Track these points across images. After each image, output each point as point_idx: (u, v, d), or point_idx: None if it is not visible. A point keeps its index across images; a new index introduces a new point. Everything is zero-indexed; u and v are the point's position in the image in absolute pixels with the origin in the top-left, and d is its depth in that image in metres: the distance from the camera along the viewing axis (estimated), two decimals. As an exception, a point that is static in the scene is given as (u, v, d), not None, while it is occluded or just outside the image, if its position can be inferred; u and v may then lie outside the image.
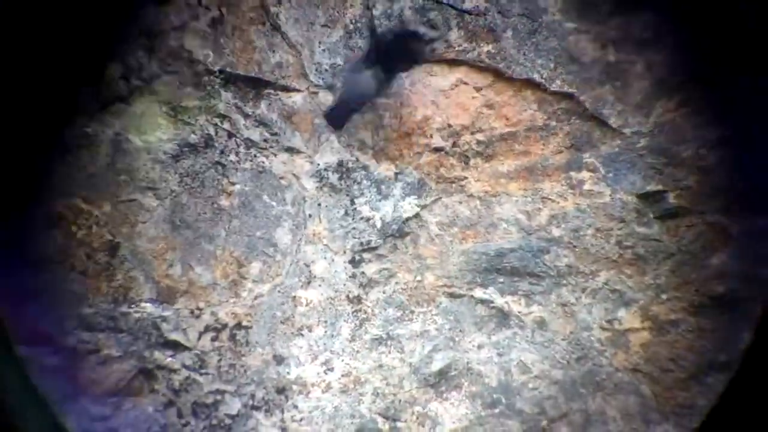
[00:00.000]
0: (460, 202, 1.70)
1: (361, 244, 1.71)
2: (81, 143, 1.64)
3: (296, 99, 1.71)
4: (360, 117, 1.71)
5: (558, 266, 1.66)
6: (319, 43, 1.69)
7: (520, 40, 1.64)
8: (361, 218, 1.72)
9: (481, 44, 1.65)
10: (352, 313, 1.70)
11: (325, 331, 1.69)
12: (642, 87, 1.60)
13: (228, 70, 1.68)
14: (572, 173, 1.66)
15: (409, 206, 1.71)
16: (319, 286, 1.70)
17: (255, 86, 1.69)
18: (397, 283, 1.70)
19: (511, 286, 1.68)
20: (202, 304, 1.68)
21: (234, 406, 1.67)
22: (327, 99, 1.71)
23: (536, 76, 1.64)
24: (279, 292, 1.70)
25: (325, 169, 1.72)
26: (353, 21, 1.67)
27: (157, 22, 1.64)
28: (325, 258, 1.71)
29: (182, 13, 1.65)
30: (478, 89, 1.68)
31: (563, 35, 1.62)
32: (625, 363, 1.63)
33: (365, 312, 1.69)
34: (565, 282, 1.66)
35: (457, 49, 1.66)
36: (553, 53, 1.63)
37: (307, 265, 1.71)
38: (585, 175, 1.65)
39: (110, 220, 1.65)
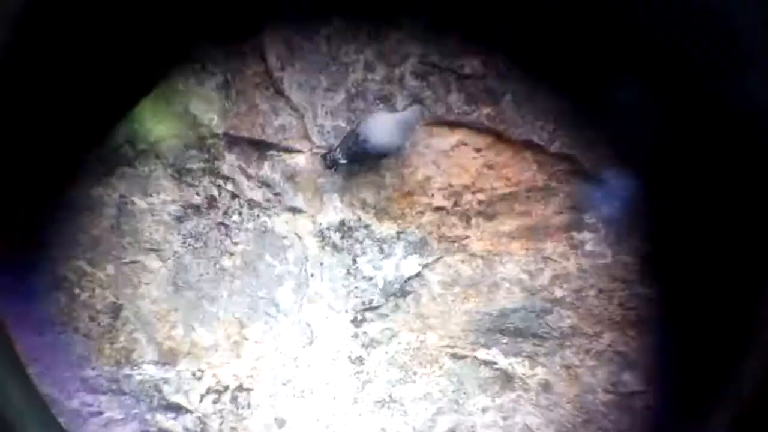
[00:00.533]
0: (463, 261, 1.71)
1: (363, 303, 1.71)
2: (86, 206, 1.66)
3: (299, 160, 1.73)
4: (362, 176, 1.73)
5: (561, 327, 1.66)
6: (322, 106, 1.72)
7: (519, 103, 1.66)
8: (363, 277, 1.72)
9: (481, 107, 1.68)
10: (354, 374, 1.69)
11: (327, 393, 1.68)
12: (642, 148, 1.62)
13: (232, 132, 1.71)
14: (574, 233, 1.66)
15: (411, 265, 1.71)
16: (321, 346, 1.70)
17: (258, 148, 1.72)
18: (399, 343, 1.70)
19: (515, 347, 1.67)
20: (204, 366, 1.68)
21: (235, 470, 1.66)
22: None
23: (536, 138, 1.67)
24: (280, 352, 1.69)
25: (328, 229, 1.73)
26: (355, 85, 1.70)
27: (164, 87, 1.68)
28: (327, 317, 1.71)
29: (188, 78, 1.69)
30: (478, 150, 1.70)
31: (562, 98, 1.65)
32: (631, 427, 1.61)
33: (367, 373, 1.69)
34: (568, 343, 1.65)
35: (456, 111, 1.69)
36: (552, 115, 1.65)
37: (309, 325, 1.70)
38: (586, 235, 1.66)
39: (113, 282, 1.66)
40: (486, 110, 1.68)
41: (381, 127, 1.62)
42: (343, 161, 1.65)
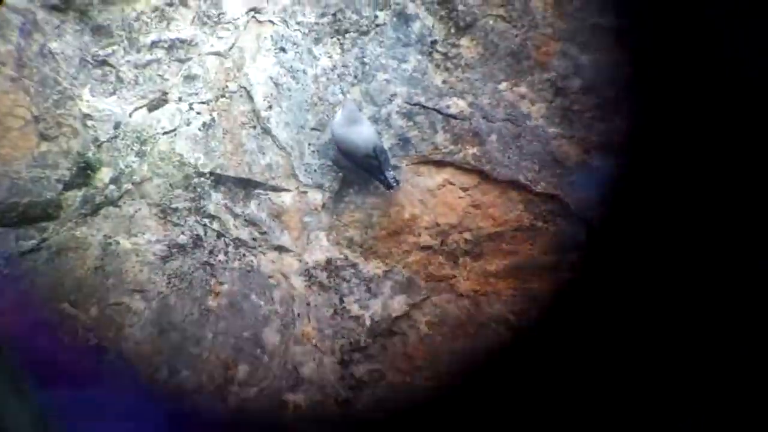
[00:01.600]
0: (450, 302, 1.70)
1: (350, 344, 1.70)
2: (70, 247, 1.65)
3: (285, 198, 1.73)
4: (349, 215, 1.73)
5: (549, 368, 1.65)
6: (309, 144, 1.72)
7: (504, 144, 1.68)
8: (351, 317, 1.71)
9: (467, 147, 1.69)
10: (341, 417, 1.67)
11: (314, 438, 1.66)
12: (625, 190, 1.63)
13: (218, 171, 1.71)
14: (560, 274, 1.66)
15: (398, 305, 1.71)
16: (308, 388, 1.68)
17: (245, 187, 1.72)
18: (386, 384, 1.68)
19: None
20: (187, 411, 1.65)
21: None
22: (316, 198, 1.73)
23: (521, 178, 1.68)
24: (266, 395, 1.67)
25: (314, 268, 1.72)
26: (342, 125, 1.70)
27: (150, 127, 1.68)
28: (313, 359, 1.69)
29: (174, 118, 1.69)
30: (464, 189, 1.71)
31: (547, 140, 1.66)
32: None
33: (353, 417, 1.66)
34: (555, 384, 1.64)
35: (443, 151, 1.70)
36: (537, 156, 1.67)
37: (296, 367, 1.69)
38: (573, 275, 1.66)
39: (97, 325, 1.64)
40: (472, 150, 1.69)
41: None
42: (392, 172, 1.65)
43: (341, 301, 1.71)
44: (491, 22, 1.65)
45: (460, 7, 1.64)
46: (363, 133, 1.60)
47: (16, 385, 1.36)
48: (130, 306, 1.66)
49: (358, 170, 1.68)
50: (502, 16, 1.65)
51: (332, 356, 1.69)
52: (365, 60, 1.70)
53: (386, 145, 1.69)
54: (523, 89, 1.66)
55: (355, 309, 1.71)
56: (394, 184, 1.64)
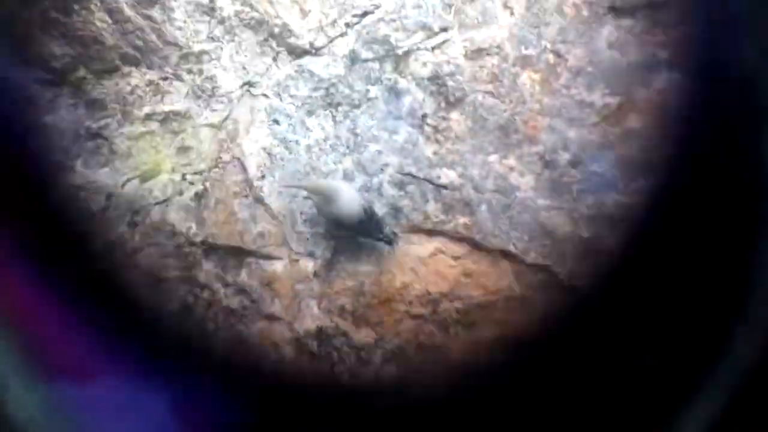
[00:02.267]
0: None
1: (341, 415, 1.67)
2: (58, 318, 1.63)
3: (277, 266, 1.73)
4: (341, 283, 1.73)
5: (540, 441, 1.63)
6: (301, 213, 1.74)
7: (494, 214, 1.70)
8: (341, 387, 1.69)
9: (458, 216, 1.71)
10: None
11: None
12: (616, 263, 1.65)
13: (210, 240, 1.71)
14: (552, 344, 1.66)
15: (389, 374, 1.69)
16: (298, 460, 1.65)
17: (236, 255, 1.72)
18: (378, 456, 1.66)
19: (495, 463, 1.64)
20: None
21: None
22: (308, 266, 1.73)
23: (512, 248, 1.69)
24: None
25: (305, 336, 1.71)
26: (334, 194, 1.72)
27: (142, 198, 1.68)
28: None
29: (166, 188, 1.70)
30: (455, 258, 1.72)
31: (536, 211, 1.69)
32: None
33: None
34: (548, 458, 1.62)
35: (434, 220, 1.72)
36: (527, 227, 1.69)
37: (286, 440, 1.66)
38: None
39: (82, 399, 1.61)
40: (463, 220, 1.71)
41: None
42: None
43: (332, 370, 1.70)
44: (480, 97, 1.69)
45: (450, 83, 1.68)
46: (346, 204, 1.60)
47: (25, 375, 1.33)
48: (117, 378, 1.64)
49: (355, 237, 1.69)
50: (491, 92, 1.69)
51: (323, 428, 1.67)
52: (357, 131, 1.73)
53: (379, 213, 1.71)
54: (512, 162, 1.69)
55: (345, 378, 1.70)
56: (394, 239, 1.66)
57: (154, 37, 1.62)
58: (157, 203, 1.69)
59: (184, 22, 1.60)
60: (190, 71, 1.66)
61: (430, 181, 1.72)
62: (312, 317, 1.72)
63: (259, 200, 1.73)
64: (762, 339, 1.24)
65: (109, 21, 1.68)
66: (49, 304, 1.32)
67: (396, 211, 1.73)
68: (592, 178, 1.65)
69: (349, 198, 1.61)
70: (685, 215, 1.60)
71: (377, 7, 1.73)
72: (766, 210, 1.36)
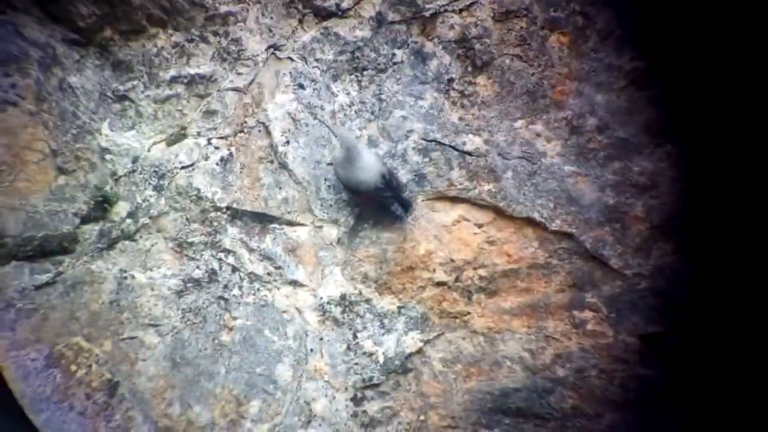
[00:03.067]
0: (464, 338, 1.69)
1: (363, 380, 1.69)
2: (85, 281, 1.65)
3: (301, 233, 1.73)
4: (364, 250, 1.73)
5: (563, 408, 1.63)
6: (325, 179, 1.73)
7: (520, 181, 1.68)
8: (364, 353, 1.70)
9: (482, 183, 1.69)
10: (354, 455, 1.65)
11: (326, 476, 1.64)
12: (640, 230, 1.63)
13: (235, 206, 1.71)
14: (575, 312, 1.66)
15: (412, 341, 1.70)
16: (320, 425, 1.66)
17: (261, 221, 1.72)
18: (399, 423, 1.67)
19: (517, 428, 1.64)
20: (199, 447, 1.63)
21: None
22: (331, 233, 1.73)
23: (536, 216, 1.67)
24: (278, 432, 1.66)
25: (328, 303, 1.72)
26: (358, 160, 1.71)
27: (168, 162, 1.68)
28: (326, 395, 1.68)
29: (192, 152, 1.70)
30: (479, 226, 1.71)
31: (562, 177, 1.67)
32: None
33: (367, 455, 1.65)
34: (570, 424, 1.63)
35: (458, 187, 1.70)
36: (552, 194, 1.67)
37: (308, 403, 1.67)
38: (588, 314, 1.65)
39: (110, 359, 1.63)
40: (487, 186, 1.69)
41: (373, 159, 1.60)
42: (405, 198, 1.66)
43: (354, 336, 1.71)
44: (508, 61, 1.66)
45: (477, 46, 1.66)
46: (366, 168, 1.56)
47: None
48: (143, 340, 1.65)
49: (371, 205, 1.68)
50: (519, 56, 1.66)
51: (345, 393, 1.68)
52: (382, 97, 1.71)
53: (403, 180, 1.69)
54: (539, 127, 1.67)
55: (368, 345, 1.70)
56: (409, 207, 1.65)
57: (181, -3, 1.61)
58: (183, 167, 1.69)
59: (211, -19, 1.59)
60: (216, 33, 1.64)
61: (454, 148, 1.70)
62: (335, 284, 1.73)
63: (284, 166, 1.72)
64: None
65: (136, -19, 1.68)
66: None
67: (420, 178, 1.71)
68: (619, 143, 1.63)
69: (369, 163, 1.56)
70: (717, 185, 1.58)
71: (404, -32, 1.70)
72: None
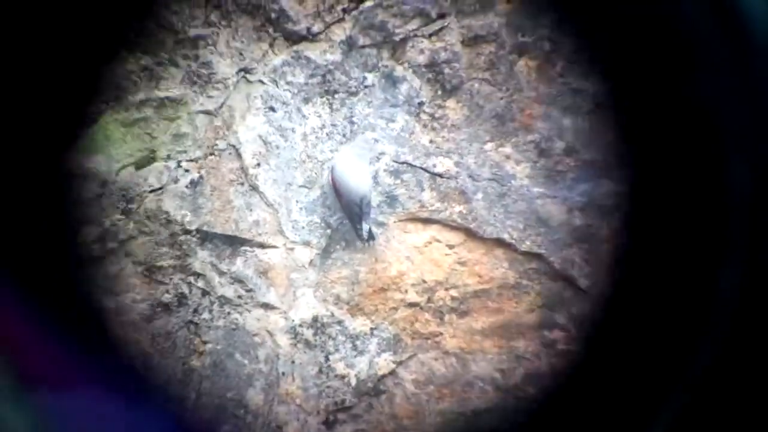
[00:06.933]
0: (436, 359, 1.70)
1: (336, 403, 1.68)
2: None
3: (272, 255, 1.72)
4: (336, 272, 1.73)
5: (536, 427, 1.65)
6: (297, 202, 1.73)
7: (490, 202, 1.70)
8: (336, 376, 1.70)
9: (453, 205, 1.71)
10: (326, 480, 1.64)
11: (297, 501, 1.63)
12: (607, 250, 1.66)
13: (205, 229, 1.70)
14: (545, 332, 1.68)
15: (384, 363, 1.70)
16: (292, 450, 1.65)
17: (231, 244, 1.71)
18: (372, 445, 1.67)
19: (488, 449, 1.65)
20: (167, 475, 1.60)
21: None
22: (303, 255, 1.73)
23: (506, 237, 1.70)
24: (249, 457, 1.64)
25: (300, 325, 1.71)
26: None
27: (136, 185, 1.67)
28: (297, 419, 1.67)
29: (161, 175, 1.68)
30: (451, 247, 1.72)
31: (531, 199, 1.69)
32: None
33: (339, 480, 1.64)
34: (542, 445, 1.64)
35: (429, 208, 1.72)
36: (522, 215, 1.70)
37: (279, 427, 1.66)
38: (557, 334, 1.67)
39: (76, 386, 1.60)
40: (458, 208, 1.71)
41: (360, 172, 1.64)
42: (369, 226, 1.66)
43: (327, 359, 1.70)
44: (477, 85, 1.69)
45: (447, 71, 1.68)
46: (359, 179, 1.62)
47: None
48: (111, 367, 1.63)
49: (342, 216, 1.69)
50: (488, 80, 1.69)
51: (317, 416, 1.67)
52: (354, 119, 1.72)
53: (374, 202, 1.70)
54: (508, 150, 1.70)
55: (340, 367, 1.70)
56: (369, 238, 1.65)
57: (149, 21, 1.60)
58: (152, 191, 1.68)
59: (180, 6, 1.58)
60: (185, 57, 1.64)
61: (426, 170, 1.72)
62: (307, 306, 1.72)
63: (255, 188, 1.72)
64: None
65: (103, 6, 1.67)
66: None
67: (392, 199, 1.73)
68: (586, 166, 1.66)
69: (365, 178, 1.63)
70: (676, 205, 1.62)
71: (375, -7, 1.73)
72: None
